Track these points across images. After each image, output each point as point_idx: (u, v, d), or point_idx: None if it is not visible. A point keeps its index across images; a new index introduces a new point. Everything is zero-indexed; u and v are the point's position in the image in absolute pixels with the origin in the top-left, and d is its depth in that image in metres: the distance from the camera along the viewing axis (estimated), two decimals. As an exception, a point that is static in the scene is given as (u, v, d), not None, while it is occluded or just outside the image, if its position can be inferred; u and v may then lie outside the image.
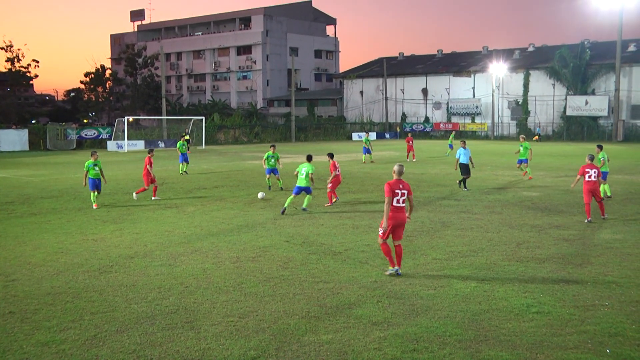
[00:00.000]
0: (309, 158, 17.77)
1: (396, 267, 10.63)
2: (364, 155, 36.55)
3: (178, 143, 31.06)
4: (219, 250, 12.79)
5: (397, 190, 10.53)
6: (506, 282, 10.24)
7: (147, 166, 20.67)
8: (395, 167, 10.70)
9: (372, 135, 74.95)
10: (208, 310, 8.91)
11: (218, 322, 8.40)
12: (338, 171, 19.28)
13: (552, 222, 15.88)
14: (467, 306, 8.99)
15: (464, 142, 23.47)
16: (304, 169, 17.53)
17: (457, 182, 23.47)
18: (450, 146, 44.89)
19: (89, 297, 9.61)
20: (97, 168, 19.08)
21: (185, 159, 30.31)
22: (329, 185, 19.22)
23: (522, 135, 28.94)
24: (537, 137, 67.21)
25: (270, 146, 23.40)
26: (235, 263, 11.72)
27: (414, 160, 37.06)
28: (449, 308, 8.91)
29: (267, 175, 23.46)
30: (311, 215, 17.14)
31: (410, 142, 37.92)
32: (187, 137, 49.96)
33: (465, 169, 22.74)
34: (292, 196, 17.71)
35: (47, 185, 25.59)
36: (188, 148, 49.24)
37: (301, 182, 17.50)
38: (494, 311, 8.78)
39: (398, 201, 10.55)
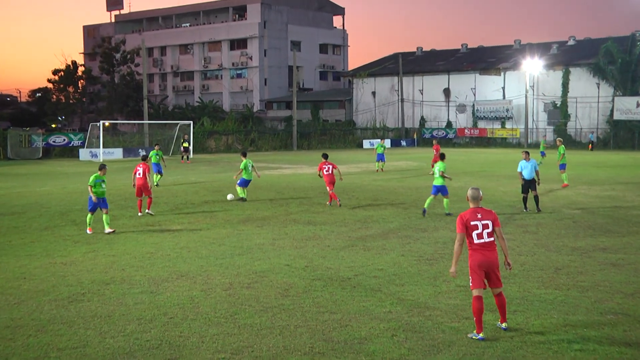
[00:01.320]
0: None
1: (481, 335, 9.03)
2: (377, 163, 38.53)
3: (151, 152, 31.50)
4: (208, 275, 12.78)
5: (475, 222, 9.23)
6: (543, 314, 10.18)
7: (147, 174, 21.27)
8: (469, 193, 9.52)
9: (387, 143, 75.02)
10: (196, 345, 8.88)
11: (207, 359, 8.37)
12: (326, 171, 23.20)
13: (597, 244, 15.82)
14: (496, 342, 8.94)
15: (527, 152, 21.96)
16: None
17: (523, 200, 21.85)
18: (542, 154, 43.49)
19: (56, 330, 9.59)
20: (104, 186, 18.10)
21: (158, 170, 30.83)
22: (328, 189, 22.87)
23: (559, 139, 29.92)
24: (590, 145, 66.68)
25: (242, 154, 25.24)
26: (228, 290, 11.69)
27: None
28: (475, 344, 8.86)
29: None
30: (315, 235, 17.14)
31: (437, 151, 37.57)
32: (185, 145, 50.59)
33: (529, 185, 21.36)
34: None
35: (8, 200, 25.67)
36: (188, 158, 49.79)
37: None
38: (528, 347, 8.72)
39: (480, 236, 9.20)
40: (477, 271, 9.17)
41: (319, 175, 23.66)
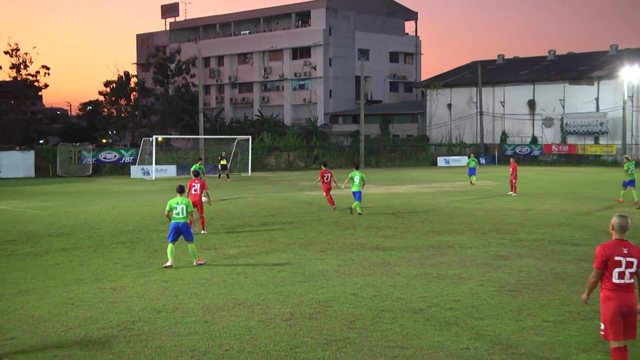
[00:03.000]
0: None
1: None
2: (471, 177, 43.16)
3: (194, 166, 32.46)
4: (267, 304, 12.83)
5: (618, 258, 8.40)
6: (643, 354, 9.87)
7: (204, 191, 22.34)
8: (616, 221, 8.63)
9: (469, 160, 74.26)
10: (252, 380, 8.91)
11: (265, 396, 8.39)
12: (325, 179, 28.62)
13: None
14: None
15: None
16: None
17: None
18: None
19: (105, 360, 9.78)
20: (185, 211, 16.76)
21: None
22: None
23: (626, 155, 31.56)
24: None
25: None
26: (288, 321, 11.72)
27: (514, 193, 36.16)
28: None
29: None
30: (384, 261, 17.05)
31: (514, 169, 37.06)
32: (223, 162, 50.89)
33: None
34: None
35: (56, 220, 26.40)
36: (228, 176, 50.33)
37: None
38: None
39: (622, 275, 8.39)
40: (616, 318, 8.38)
41: (318, 182, 29.36)
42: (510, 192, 36.24)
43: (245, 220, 25.91)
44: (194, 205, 21.56)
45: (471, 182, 43.09)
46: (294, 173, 61.01)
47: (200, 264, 16.81)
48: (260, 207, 30.45)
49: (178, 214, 16.65)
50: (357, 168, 27.96)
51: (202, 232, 22.04)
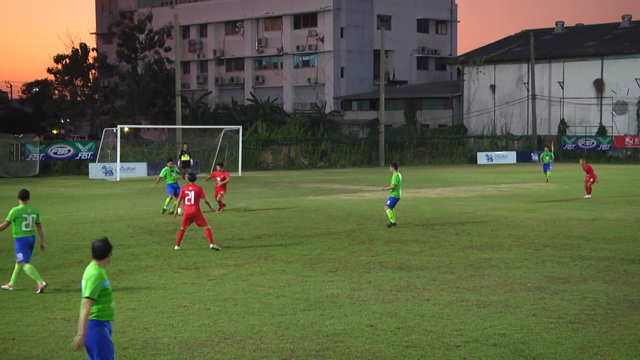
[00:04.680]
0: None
1: None
2: (546, 173, 48.54)
3: (163, 170, 32.63)
4: (262, 339, 12.84)
5: None
6: None
7: (202, 199, 22.72)
8: None
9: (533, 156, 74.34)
10: None
11: None
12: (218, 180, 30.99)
13: None
14: None
15: None
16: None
17: None
18: None
19: (57, 408, 9.78)
20: (34, 222, 17.72)
21: (175, 192, 31.32)
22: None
23: None
24: None
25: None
26: (289, 359, 11.73)
27: (589, 196, 36.38)
28: None
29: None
30: (410, 285, 17.03)
31: (590, 172, 37.05)
32: (185, 158, 50.35)
33: None
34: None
35: (-3, 231, 26.43)
36: (186, 175, 49.87)
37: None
38: None
39: None
40: None
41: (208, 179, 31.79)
42: (587, 196, 36.67)
43: (235, 232, 25.93)
44: (192, 218, 22.08)
45: (547, 180, 48.15)
46: (296, 173, 61.08)
47: (7, 289, 16.92)
48: (254, 216, 30.46)
49: (28, 225, 16.77)
50: (396, 168, 27.34)
51: (213, 246, 22.12)
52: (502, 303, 15.31)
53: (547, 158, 48.78)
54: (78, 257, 21.16)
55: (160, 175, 32.67)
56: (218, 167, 32.62)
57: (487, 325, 13.60)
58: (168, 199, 31.60)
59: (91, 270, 9.91)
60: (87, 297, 9.59)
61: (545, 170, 48.76)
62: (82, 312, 9.52)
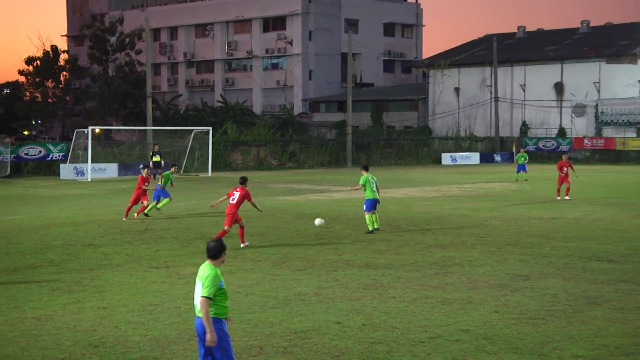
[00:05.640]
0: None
1: None
2: (518, 174, 49.04)
3: (166, 173, 32.17)
4: (231, 336, 12.78)
5: None
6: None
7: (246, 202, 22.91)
8: None
9: (498, 157, 74.63)
10: None
11: None
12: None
13: None
14: None
15: None
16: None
17: None
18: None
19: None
20: None
21: (165, 194, 31.17)
22: None
23: None
24: None
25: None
26: (258, 356, 11.73)
27: (567, 198, 35.85)
28: None
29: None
30: (376, 282, 17.10)
31: (567, 168, 36.25)
32: (156, 158, 50.15)
33: None
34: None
35: (-31, 231, 26.21)
36: (158, 176, 49.76)
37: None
38: None
39: None
40: None
41: (146, 186, 29.55)
42: (566, 197, 35.79)
43: (205, 231, 25.87)
44: (227, 215, 22.47)
45: (517, 180, 48.88)
46: (265, 173, 60.96)
47: None
48: (223, 216, 30.38)
49: None
50: (367, 170, 26.13)
51: (244, 245, 22.58)
52: (465, 300, 15.41)
53: (523, 159, 49.37)
54: (49, 256, 21.01)
55: (163, 175, 31.82)
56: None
57: (451, 322, 13.68)
58: (153, 204, 30.72)
59: (207, 270, 10.00)
60: (205, 297, 9.76)
61: (518, 171, 49.37)
62: (203, 311, 9.70)
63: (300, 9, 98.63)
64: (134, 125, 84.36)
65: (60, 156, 57.38)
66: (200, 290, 9.83)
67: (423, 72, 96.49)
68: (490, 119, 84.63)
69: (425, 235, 24.64)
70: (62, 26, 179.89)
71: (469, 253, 21.15)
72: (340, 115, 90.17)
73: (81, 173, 54.70)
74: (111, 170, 56.98)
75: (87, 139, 54.80)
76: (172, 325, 13.61)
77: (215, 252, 10.03)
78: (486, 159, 78.11)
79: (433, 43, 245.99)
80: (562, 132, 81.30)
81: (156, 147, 51.75)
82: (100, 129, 66.86)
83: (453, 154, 77.50)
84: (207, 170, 59.30)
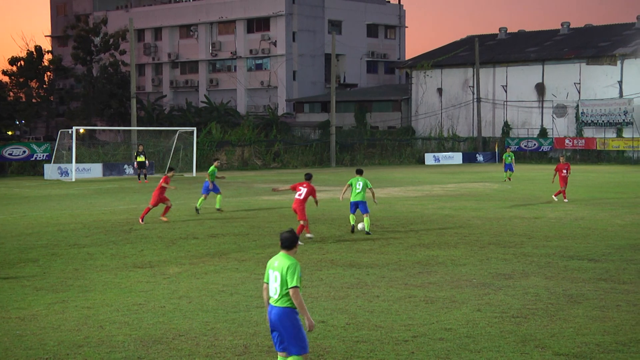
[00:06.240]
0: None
1: None
2: (505, 173, 49.41)
3: (211, 168, 32.71)
4: (215, 335, 12.81)
5: None
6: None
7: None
8: None
9: (474, 157, 74.70)
10: None
11: None
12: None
13: None
14: None
15: None
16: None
17: None
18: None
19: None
20: None
21: (215, 189, 32.07)
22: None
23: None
24: None
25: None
26: (242, 355, 11.70)
27: (565, 200, 35.33)
28: None
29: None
30: (360, 282, 17.09)
31: (563, 171, 35.40)
32: (140, 159, 50.31)
33: None
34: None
35: (-47, 231, 26.04)
36: (145, 176, 50.09)
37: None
38: None
39: None
40: None
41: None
42: (564, 199, 34.98)
43: (189, 231, 25.81)
44: (296, 211, 23.23)
45: (506, 179, 49.17)
46: (250, 173, 60.93)
47: None
48: (208, 215, 30.35)
49: None
50: (360, 173, 25.92)
51: (308, 235, 23.57)
52: (448, 299, 15.43)
53: (509, 159, 49.40)
54: (33, 256, 20.91)
55: (209, 173, 32.50)
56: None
57: (434, 320, 13.70)
58: (202, 199, 31.77)
59: (286, 260, 10.01)
60: (295, 287, 9.82)
61: (506, 170, 49.50)
62: (297, 301, 9.76)
63: (284, 10, 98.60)
64: (119, 126, 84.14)
65: (45, 156, 57.19)
66: (278, 281, 9.88)
67: (406, 72, 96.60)
68: (473, 120, 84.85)
69: (408, 234, 24.69)
70: (46, 27, 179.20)
71: (452, 252, 21.18)
72: (324, 115, 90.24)
73: (65, 173, 54.53)
74: (95, 170, 56.85)
75: (72, 139, 54.60)
76: (157, 324, 13.57)
77: (290, 242, 10.05)
78: (469, 159, 78.31)
79: (416, 44, 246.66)
80: (543, 133, 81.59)
81: (140, 148, 51.83)
82: (85, 129, 66.69)
83: (436, 154, 77.66)
84: (191, 170, 59.26)
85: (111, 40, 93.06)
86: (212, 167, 32.68)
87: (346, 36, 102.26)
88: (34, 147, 58.48)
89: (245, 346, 12.18)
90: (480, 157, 78.94)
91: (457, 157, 78.39)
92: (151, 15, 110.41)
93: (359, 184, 25.14)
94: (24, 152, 57.57)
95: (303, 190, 23.16)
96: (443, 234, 24.74)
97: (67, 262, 20.01)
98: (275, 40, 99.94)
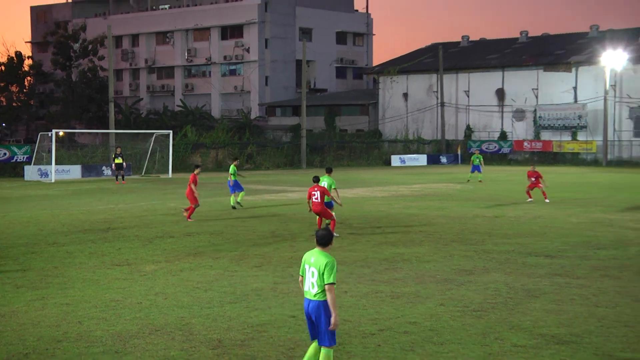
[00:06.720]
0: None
1: None
2: (470, 174, 49.16)
3: (232, 167, 33.32)
4: (191, 330, 12.78)
5: None
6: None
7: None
8: None
9: (444, 159, 74.94)
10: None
11: None
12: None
13: (697, 291, 15.72)
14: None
15: None
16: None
17: None
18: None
19: (-5, 398, 9.62)
20: None
21: (238, 187, 32.87)
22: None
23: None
24: None
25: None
26: (216, 349, 11.68)
27: (547, 201, 35.32)
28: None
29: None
30: (330, 279, 17.12)
31: (536, 178, 35.37)
32: (118, 160, 50.32)
33: None
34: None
35: (-63, 231, 25.80)
36: (123, 177, 50.04)
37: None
38: None
39: None
40: None
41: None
42: (546, 200, 34.90)
43: (165, 230, 25.71)
44: (319, 214, 23.51)
45: (469, 180, 48.72)
46: (224, 174, 60.67)
47: None
48: (183, 215, 30.26)
49: None
50: (329, 172, 25.51)
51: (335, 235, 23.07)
52: (413, 294, 15.48)
53: (477, 161, 49.05)
54: (14, 254, 20.72)
55: (230, 172, 33.10)
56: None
57: (400, 315, 13.73)
58: (233, 197, 32.80)
59: (323, 257, 10.00)
60: (331, 283, 9.78)
61: (472, 171, 49.08)
62: (330, 297, 9.74)
63: (257, 18, 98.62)
64: (97, 129, 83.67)
65: (25, 158, 56.90)
66: (315, 277, 9.89)
67: (373, 78, 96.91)
68: (437, 123, 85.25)
69: (375, 233, 24.75)
70: (26, 33, 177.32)
71: (417, 249, 21.25)
72: (295, 119, 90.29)
73: (45, 174, 54.19)
74: (74, 171, 56.60)
75: (51, 141, 54.33)
76: (134, 320, 13.52)
77: (326, 240, 10.07)
78: (433, 160, 78.60)
79: (383, 51, 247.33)
80: (503, 136, 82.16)
81: (118, 150, 51.74)
82: (64, 132, 66.16)
83: (402, 156, 77.87)
84: (167, 172, 59.11)
85: (90, 47, 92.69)
86: (232, 166, 33.46)
87: (316, 43, 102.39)
88: (15, 149, 58.16)
89: (219, 340, 12.17)
90: (444, 159, 79.27)
91: (422, 159, 78.65)
92: (129, 23, 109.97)
93: (323, 183, 24.57)
94: (5, 154, 57.20)
95: (317, 193, 23.38)
96: (408, 232, 24.82)
97: (47, 260, 19.87)
98: (249, 47, 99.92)
